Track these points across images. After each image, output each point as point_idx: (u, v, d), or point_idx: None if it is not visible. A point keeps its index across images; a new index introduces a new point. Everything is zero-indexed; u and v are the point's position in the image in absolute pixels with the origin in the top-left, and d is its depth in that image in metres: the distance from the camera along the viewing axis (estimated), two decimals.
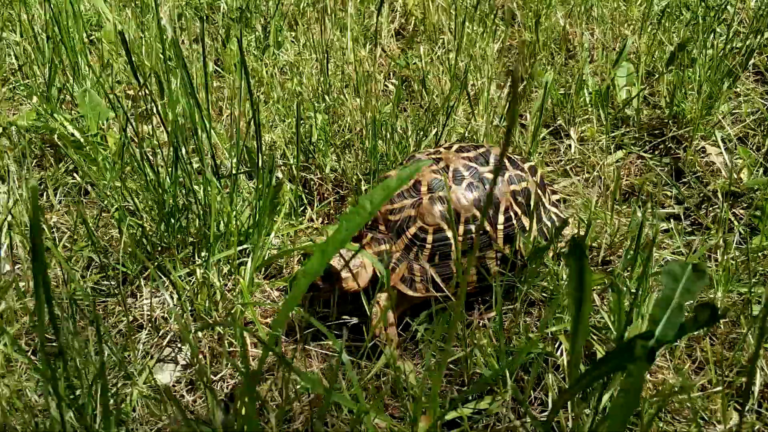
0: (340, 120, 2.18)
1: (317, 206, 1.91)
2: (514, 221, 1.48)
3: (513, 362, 1.27)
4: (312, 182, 1.98)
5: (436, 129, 1.97)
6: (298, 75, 2.45)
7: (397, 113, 2.07)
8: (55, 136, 2.04)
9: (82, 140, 2.02)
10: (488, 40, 2.55)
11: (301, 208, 1.88)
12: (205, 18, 2.96)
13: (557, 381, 1.35)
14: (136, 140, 1.85)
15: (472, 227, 1.44)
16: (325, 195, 1.96)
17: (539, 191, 1.55)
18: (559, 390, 1.33)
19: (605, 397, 1.23)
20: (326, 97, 2.25)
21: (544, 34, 2.61)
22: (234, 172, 1.65)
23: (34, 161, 2.09)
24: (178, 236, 1.68)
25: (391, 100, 2.28)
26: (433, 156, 1.52)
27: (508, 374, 1.29)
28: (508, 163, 1.54)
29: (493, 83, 2.30)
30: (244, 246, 1.66)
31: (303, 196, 1.90)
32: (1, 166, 1.98)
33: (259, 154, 1.57)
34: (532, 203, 1.51)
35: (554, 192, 1.72)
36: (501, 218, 1.47)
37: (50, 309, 0.92)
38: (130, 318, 1.57)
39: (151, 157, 1.75)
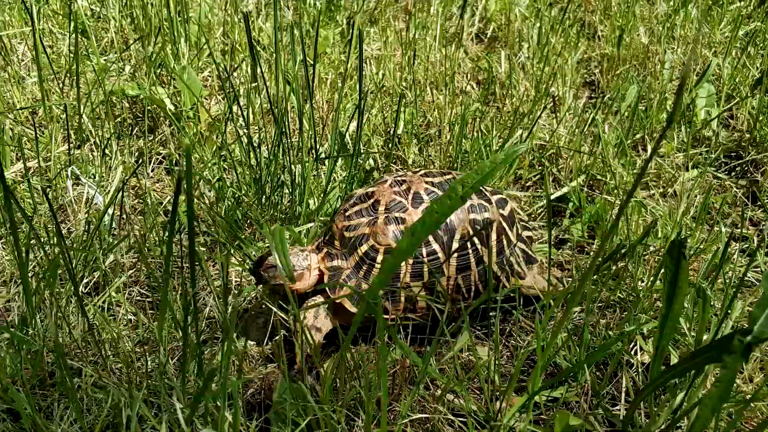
0: (426, 114, 2.28)
1: None
2: (470, 250, 1.48)
3: (592, 356, 1.34)
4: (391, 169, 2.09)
5: (521, 132, 2.05)
6: (382, 69, 2.56)
7: (481, 111, 2.16)
8: (153, 107, 2.18)
9: (177, 114, 2.16)
10: (570, 51, 2.63)
11: None
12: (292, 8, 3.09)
13: (628, 379, 1.41)
14: (240, 117, 1.97)
15: (424, 251, 1.44)
16: None
17: (505, 224, 1.53)
18: (635, 387, 1.39)
19: (679, 398, 1.30)
20: (409, 93, 2.35)
21: (626, 50, 2.67)
22: (334, 155, 1.75)
23: (133, 129, 2.23)
24: (271, 211, 1.80)
25: (473, 100, 2.37)
26: (399, 178, 1.52)
27: (586, 367, 1.36)
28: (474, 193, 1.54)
29: (570, 92, 2.37)
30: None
31: None
32: (106, 132, 2.12)
33: (358, 142, 1.67)
34: (493, 235, 1.49)
35: (527, 228, 1.67)
36: (455, 245, 1.46)
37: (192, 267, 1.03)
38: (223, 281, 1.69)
39: (244, 135, 1.87)
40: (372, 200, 1.47)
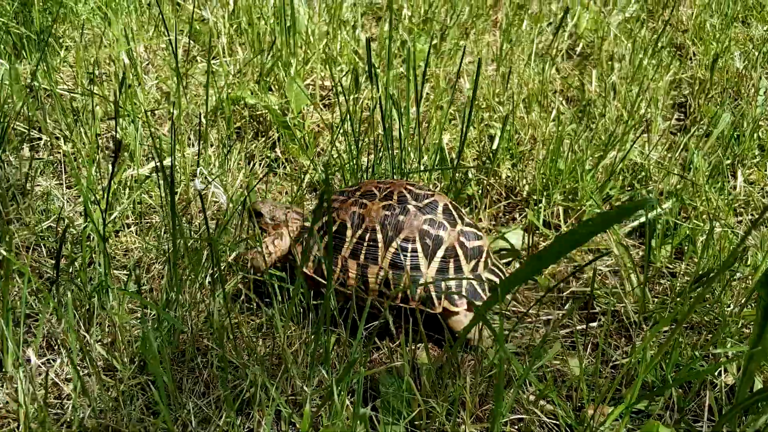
0: (520, 131, 2.40)
1: (488, 207, 2.14)
2: (408, 254, 1.59)
3: (680, 373, 1.45)
4: (486, 184, 2.22)
5: (614, 154, 2.15)
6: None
7: (574, 131, 2.27)
8: (263, 113, 2.40)
9: (286, 120, 2.37)
10: (662, 73, 2.70)
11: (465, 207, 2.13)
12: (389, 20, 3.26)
13: (712, 398, 1.51)
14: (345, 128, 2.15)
15: (366, 236, 1.60)
16: (497, 198, 2.20)
17: (460, 251, 1.62)
18: (719, 406, 1.49)
19: (762, 420, 1.39)
20: (503, 109, 2.48)
21: (719, 74, 2.72)
22: (430, 168, 1.91)
23: (245, 133, 2.45)
24: None
25: (567, 119, 2.49)
26: (388, 180, 1.71)
27: (671, 381, 1.47)
28: (454, 212, 1.65)
29: (660, 115, 2.46)
30: None
31: (478, 196, 2.13)
32: (220, 135, 2.35)
33: (459, 156, 1.82)
34: (440, 252, 1.60)
35: (493, 272, 1.70)
36: (395, 243, 1.59)
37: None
38: None
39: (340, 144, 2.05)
40: (356, 187, 1.70)
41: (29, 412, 1.39)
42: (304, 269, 1.61)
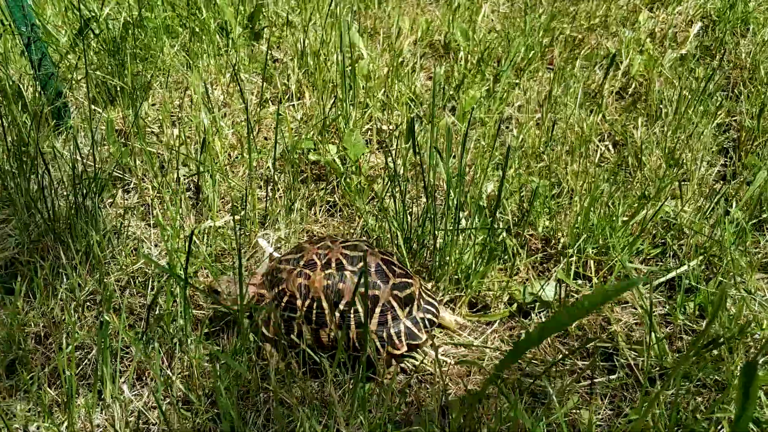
0: (562, 180, 2.58)
1: (525, 259, 2.34)
2: (351, 314, 1.88)
3: None
4: (522, 236, 2.42)
5: (646, 211, 2.31)
6: (519, 128, 2.89)
7: (612, 184, 2.43)
8: (321, 162, 2.68)
9: (342, 169, 2.64)
10: (710, 119, 2.80)
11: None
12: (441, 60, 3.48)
13: None
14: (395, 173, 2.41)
15: (314, 304, 1.89)
16: (534, 249, 2.39)
17: (395, 303, 1.92)
18: None
19: None
20: (546, 158, 2.67)
21: (766, 123, 2.80)
22: (469, 228, 2.14)
23: (306, 179, 2.74)
24: (416, 264, 2.22)
25: (606, 166, 2.64)
26: (323, 244, 1.98)
27: None
28: (385, 268, 1.94)
29: (703, 162, 2.57)
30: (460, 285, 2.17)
31: (516, 248, 2.34)
32: (286, 181, 2.64)
33: (495, 213, 2.04)
34: (377, 309, 1.91)
35: (427, 311, 1.99)
36: (339, 307, 1.89)
37: None
38: None
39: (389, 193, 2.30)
40: (299, 255, 1.98)
41: None
42: (265, 331, 1.96)
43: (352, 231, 2.50)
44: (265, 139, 2.93)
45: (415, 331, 1.94)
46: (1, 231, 2.39)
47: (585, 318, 2.13)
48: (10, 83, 2.80)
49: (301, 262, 1.95)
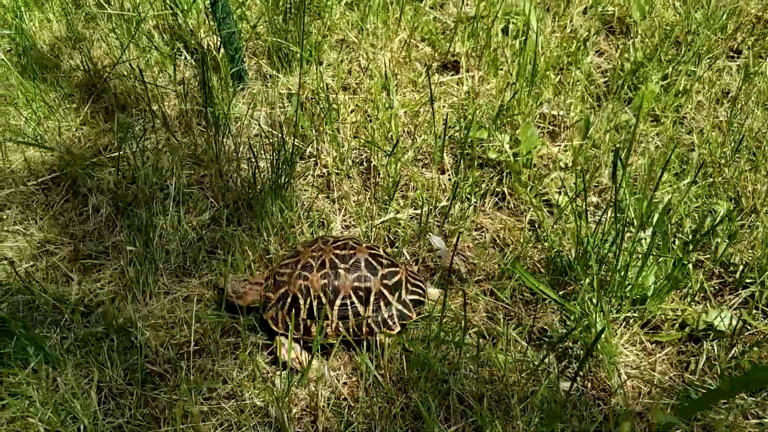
0: (738, 194, 2.57)
1: (703, 283, 2.39)
2: (349, 306, 2.18)
3: None
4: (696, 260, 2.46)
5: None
6: (698, 133, 2.85)
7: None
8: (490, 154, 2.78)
9: (515, 166, 2.73)
10: None
11: None
12: None
13: None
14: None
15: (315, 302, 2.18)
16: (708, 272, 2.43)
17: (385, 291, 2.19)
18: None
19: None
20: (726, 170, 2.65)
21: None
22: (658, 253, 2.22)
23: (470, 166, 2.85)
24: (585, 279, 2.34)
25: None
26: (317, 246, 2.24)
27: None
28: (373, 261, 2.20)
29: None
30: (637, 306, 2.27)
31: (696, 275, 2.39)
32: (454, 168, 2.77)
33: (696, 246, 2.10)
34: (371, 297, 2.19)
35: (414, 292, 2.27)
36: (338, 302, 2.17)
37: None
38: None
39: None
40: (295, 259, 2.24)
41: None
42: (276, 328, 2.23)
43: (520, 226, 2.60)
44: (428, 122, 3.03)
45: (406, 312, 2.26)
46: (199, 193, 2.69)
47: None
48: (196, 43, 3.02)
49: (299, 266, 2.24)
